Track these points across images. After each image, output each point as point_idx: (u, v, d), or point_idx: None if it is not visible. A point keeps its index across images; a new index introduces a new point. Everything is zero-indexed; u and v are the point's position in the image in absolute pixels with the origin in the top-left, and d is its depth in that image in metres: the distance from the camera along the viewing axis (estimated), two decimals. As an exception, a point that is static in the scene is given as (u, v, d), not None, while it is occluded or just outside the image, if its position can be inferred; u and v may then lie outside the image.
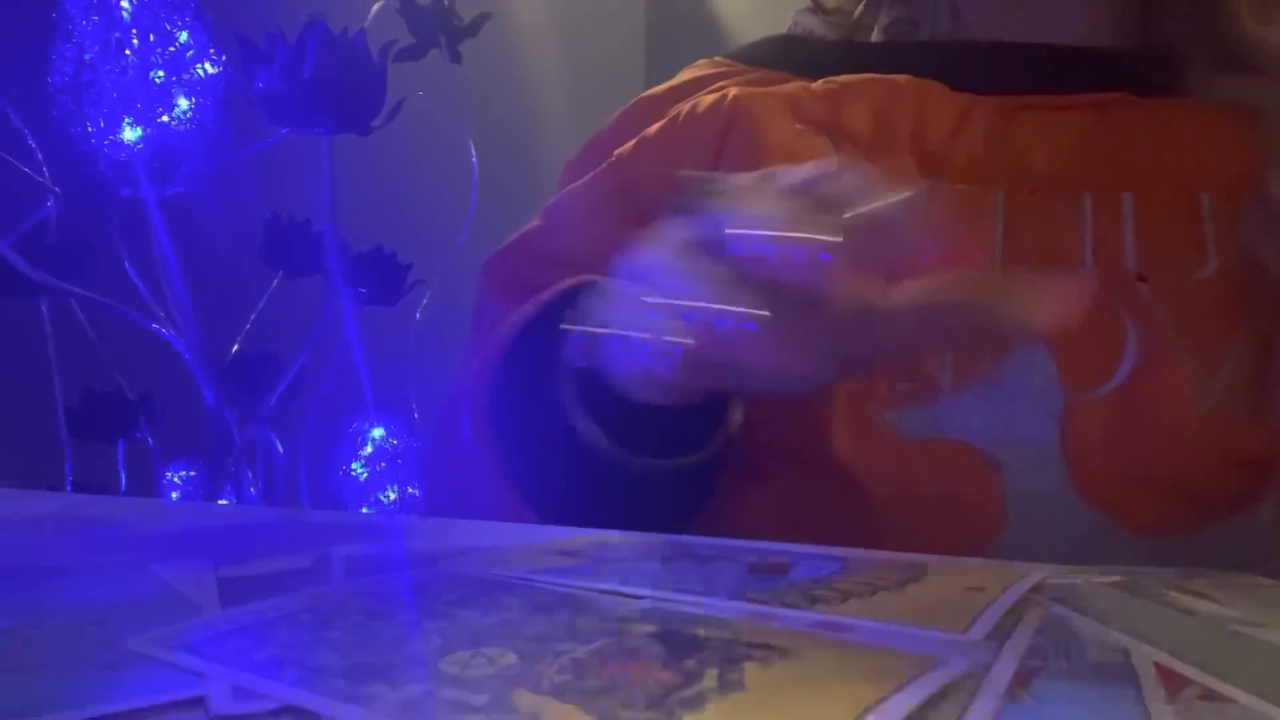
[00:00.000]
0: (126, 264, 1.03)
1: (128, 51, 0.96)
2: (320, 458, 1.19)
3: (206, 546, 0.38)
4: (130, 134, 0.97)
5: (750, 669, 0.22)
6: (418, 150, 1.38)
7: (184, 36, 0.98)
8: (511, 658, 0.22)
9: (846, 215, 0.34)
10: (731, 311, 0.34)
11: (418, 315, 1.25)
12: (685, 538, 0.38)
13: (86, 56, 0.96)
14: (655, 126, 0.59)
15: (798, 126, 0.54)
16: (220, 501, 1.07)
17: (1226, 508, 0.47)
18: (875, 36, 0.63)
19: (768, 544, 0.36)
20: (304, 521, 0.47)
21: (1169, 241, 0.49)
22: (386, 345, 1.17)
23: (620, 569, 0.31)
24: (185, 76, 0.98)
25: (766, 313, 0.34)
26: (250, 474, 1.10)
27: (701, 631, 0.24)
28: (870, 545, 0.36)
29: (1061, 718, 0.20)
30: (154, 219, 0.98)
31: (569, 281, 0.49)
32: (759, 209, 0.35)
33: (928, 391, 0.47)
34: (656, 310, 0.36)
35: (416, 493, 1.21)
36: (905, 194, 0.35)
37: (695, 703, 0.20)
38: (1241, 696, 0.21)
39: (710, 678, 0.21)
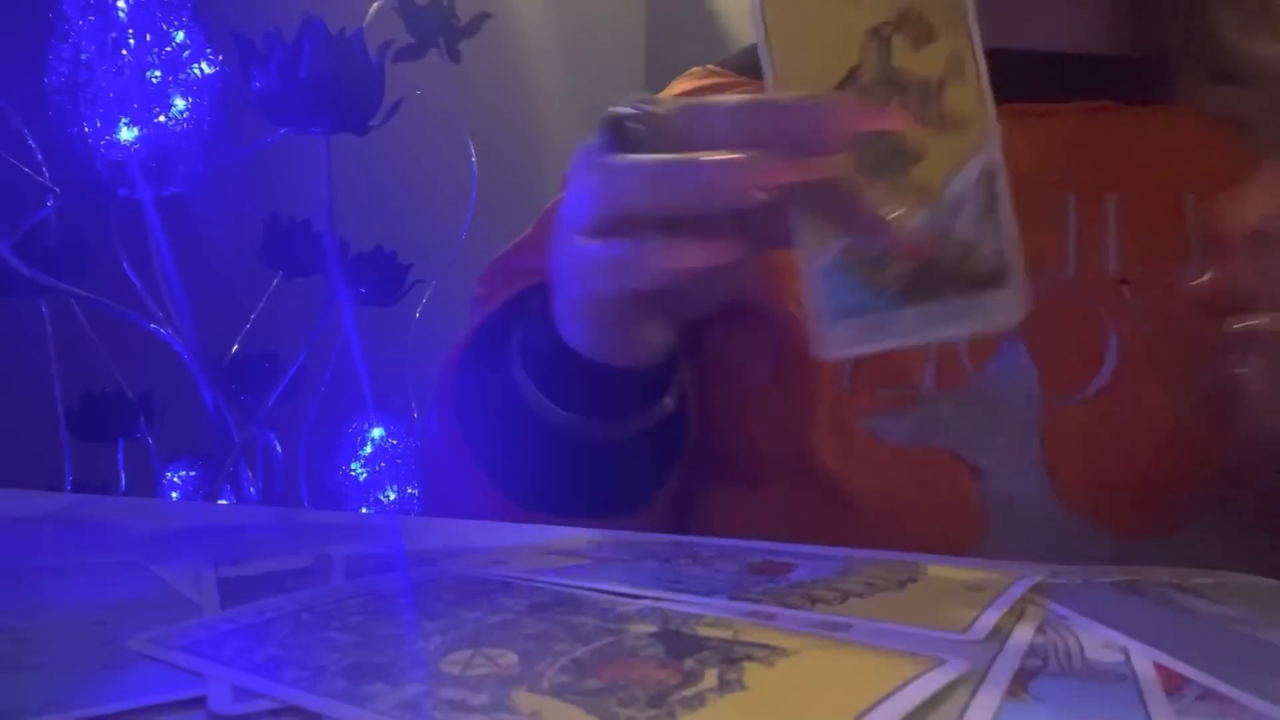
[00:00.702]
0: (125, 264, 1.02)
1: (124, 51, 0.96)
2: (320, 458, 1.19)
3: (206, 546, 0.38)
4: (127, 134, 0.96)
5: (750, 669, 0.22)
6: (417, 150, 1.38)
7: (181, 36, 0.98)
8: (511, 658, 0.22)
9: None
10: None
11: (417, 315, 1.25)
12: (685, 538, 0.38)
13: (83, 56, 0.95)
14: None
15: None
16: (220, 501, 1.07)
17: (1205, 511, 0.47)
18: None
19: (768, 544, 0.36)
20: (304, 521, 0.47)
21: (1152, 245, 0.49)
22: (386, 345, 1.17)
23: (620, 569, 0.31)
24: (182, 76, 0.98)
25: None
26: (250, 474, 1.10)
27: (701, 631, 0.24)
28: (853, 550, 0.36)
29: (1061, 718, 0.20)
30: (152, 219, 0.98)
31: (524, 286, 0.51)
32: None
33: (909, 398, 0.48)
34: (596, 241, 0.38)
35: (417, 493, 1.21)
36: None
37: (695, 703, 0.20)
38: (1241, 696, 0.21)
39: (710, 678, 0.21)
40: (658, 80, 0.66)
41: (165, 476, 1.13)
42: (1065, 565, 0.33)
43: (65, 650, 0.24)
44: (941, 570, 0.31)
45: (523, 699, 0.20)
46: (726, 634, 0.24)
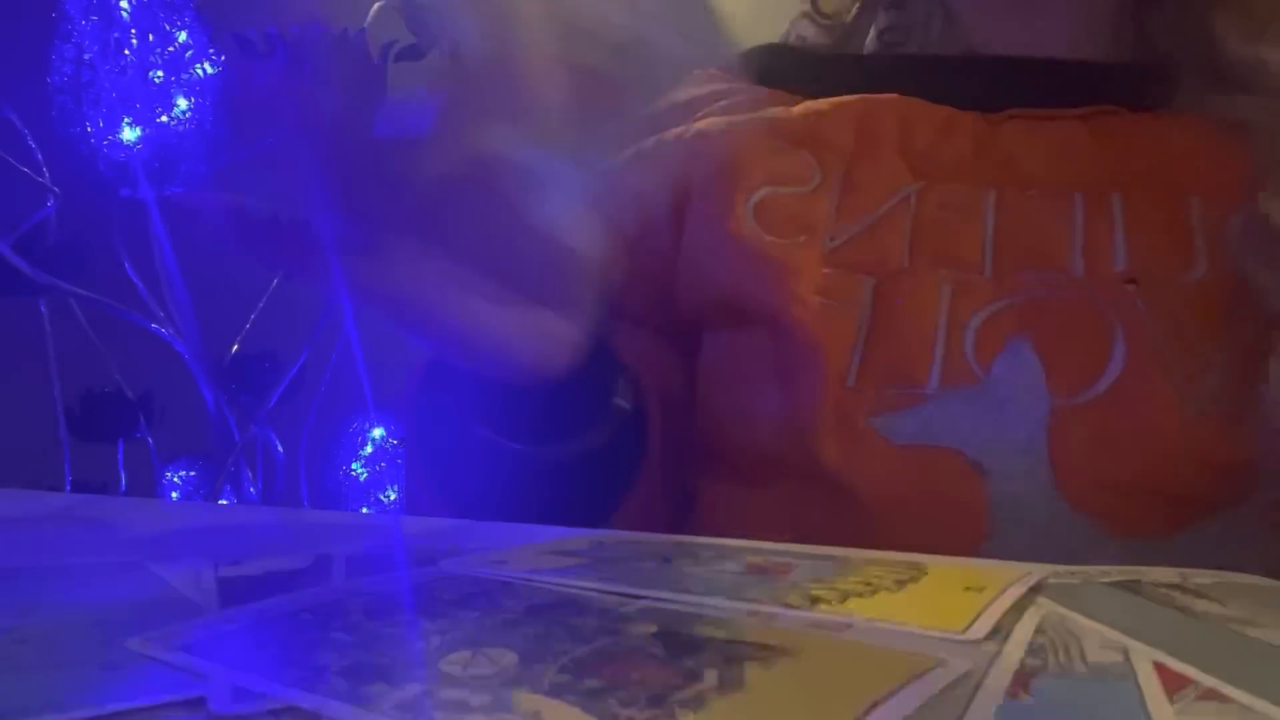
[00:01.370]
0: (126, 264, 1.03)
1: (127, 51, 0.96)
2: (320, 458, 1.20)
3: (206, 546, 0.38)
4: (129, 134, 0.97)
5: (750, 669, 0.22)
6: (417, 150, 1.38)
7: (183, 36, 0.98)
8: (511, 658, 0.22)
9: None
10: None
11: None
12: (685, 538, 0.38)
13: (86, 56, 0.96)
14: (624, 155, 0.60)
15: (775, 144, 0.55)
16: (220, 501, 1.07)
17: (1212, 511, 0.47)
18: (869, 42, 0.64)
19: (768, 544, 0.36)
20: (304, 521, 0.47)
21: (1158, 245, 0.49)
22: (386, 345, 1.17)
23: (620, 569, 0.31)
24: (184, 76, 0.98)
25: None
26: (250, 474, 1.10)
27: (701, 631, 0.24)
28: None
29: (1061, 718, 0.20)
30: (154, 219, 0.98)
31: None
32: None
33: (914, 397, 0.47)
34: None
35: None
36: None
37: (695, 703, 0.20)
38: (1241, 696, 0.21)
39: (710, 678, 0.21)
40: (657, 81, 0.66)
41: (165, 476, 1.13)
42: (1067, 565, 0.33)
43: (65, 650, 0.24)
44: (941, 570, 0.31)
45: (523, 699, 0.20)
46: (726, 634, 0.24)
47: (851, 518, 0.47)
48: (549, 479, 0.45)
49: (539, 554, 0.34)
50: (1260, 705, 0.20)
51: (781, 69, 0.62)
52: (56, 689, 0.22)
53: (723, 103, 0.60)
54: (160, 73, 0.97)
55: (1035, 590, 0.29)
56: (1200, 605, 0.28)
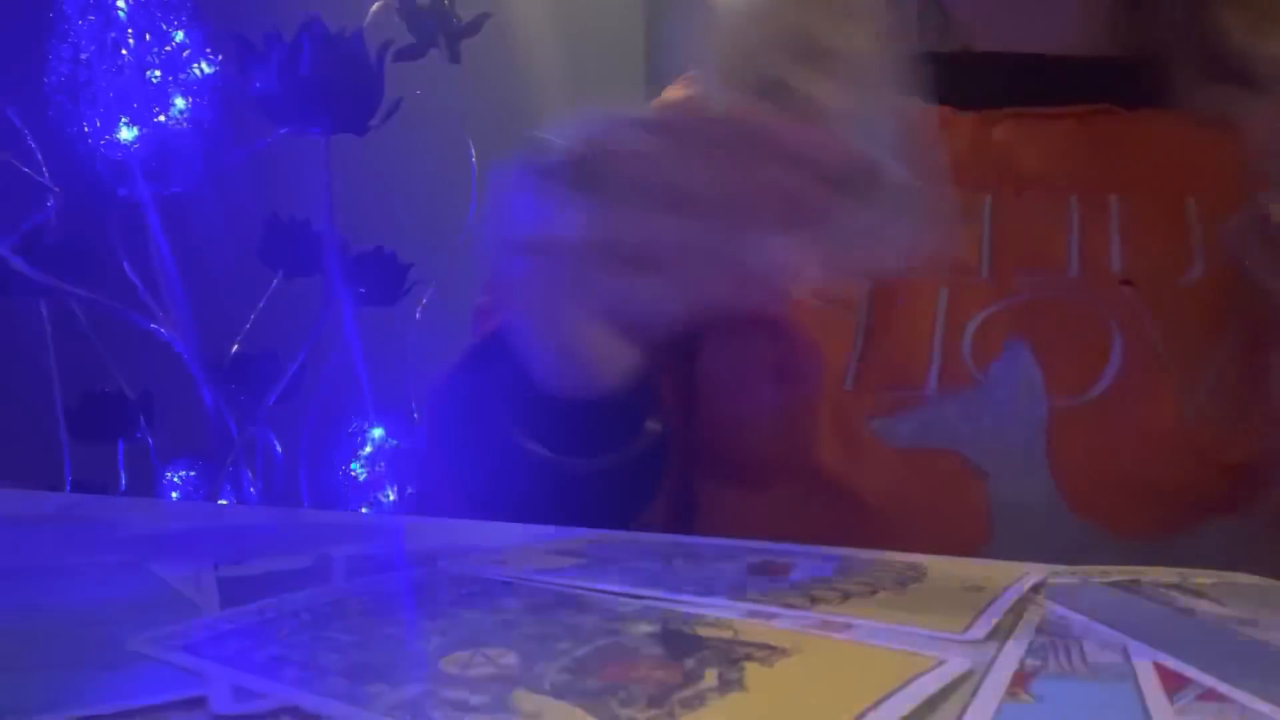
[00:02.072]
0: (125, 264, 1.03)
1: (124, 51, 0.96)
2: (320, 458, 1.19)
3: (206, 546, 0.38)
4: (127, 134, 0.96)
5: (750, 669, 0.22)
6: (417, 150, 1.38)
7: (180, 36, 0.98)
8: (511, 658, 0.22)
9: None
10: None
11: (417, 315, 1.25)
12: (685, 538, 0.38)
13: (83, 56, 0.95)
14: None
15: None
16: (220, 501, 1.07)
17: (1211, 511, 0.47)
18: None
19: (768, 544, 0.36)
20: (304, 521, 0.47)
21: (1154, 245, 0.49)
22: (386, 345, 1.17)
23: (620, 569, 0.31)
24: (182, 76, 0.98)
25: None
26: (250, 474, 1.10)
27: (701, 631, 0.24)
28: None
29: (1061, 718, 0.20)
30: (152, 219, 0.98)
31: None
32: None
33: (913, 400, 0.47)
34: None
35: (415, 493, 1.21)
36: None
37: (695, 703, 0.20)
38: (1241, 696, 0.21)
39: (710, 678, 0.21)
40: (658, 80, 0.66)
41: (165, 476, 1.13)
42: (1067, 565, 0.33)
43: (65, 650, 0.24)
44: (941, 570, 0.31)
45: (523, 699, 0.20)
46: (726, 634, 0.24)
47: (852, 520, 0.47)
48: (574, 490, 0.45)
49: (539, 554, 0.34)
50: (1260, 705, 0.20)
51: None
52: (56, 689, 0.22)
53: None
54: (158, 72, 0.97)
55: (1035, 590, 0.29)
56: (1200, 605, 0.28)
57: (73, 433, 1.11)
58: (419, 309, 1.24)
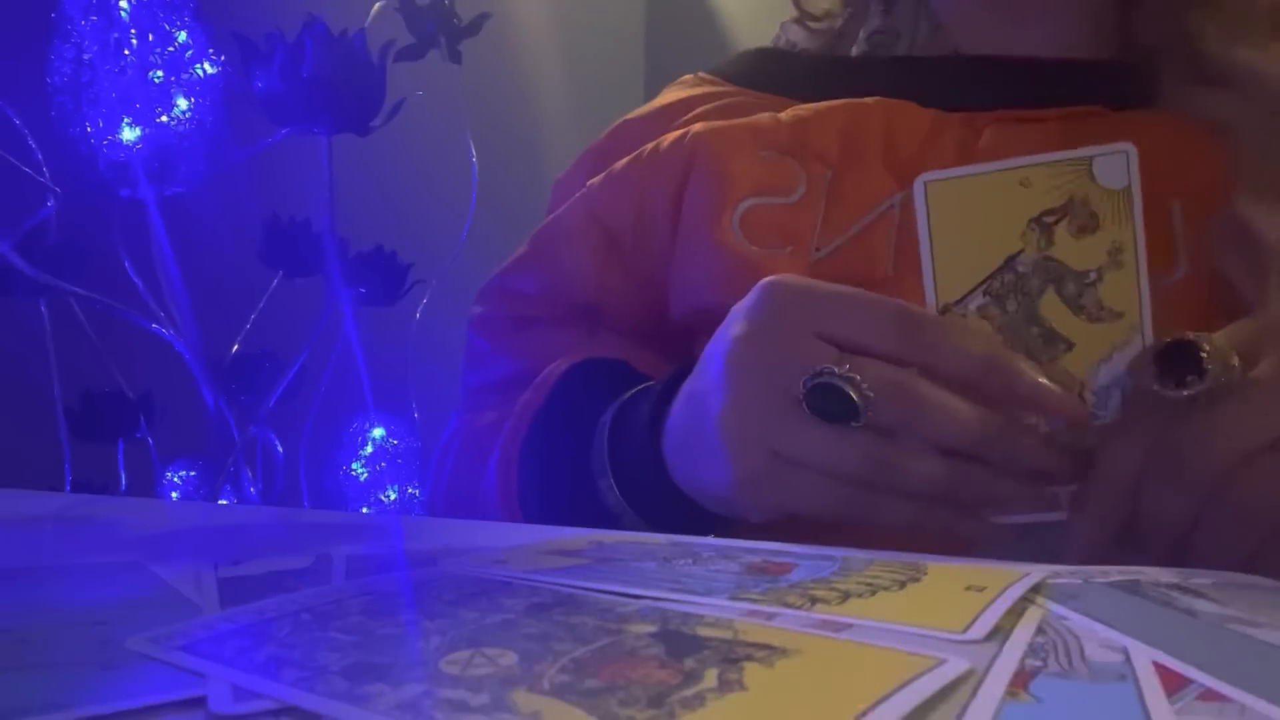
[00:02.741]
0: (126, 264, 1.03)
1: (126, 51, 0.96)
2: (320, 458, 1.19)
3: (206, 546, 0.38)
4: (129, 134, 0.96)
5: (750, 669, 0.22)
6: (418, 150, 1.38)
7: (183, 36, 0.98)
8: (511, 658, 0.22)
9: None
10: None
11: (417, 315, 1.25)
12: (685, 538, 0.38)
13: (85, 56, 0.95)
14: (623, 161, 0.61)
15: (762, 153, 0.55)
16: (220, 501, 1.07)
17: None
18: (858, 46, 0.64)
19: (768, 544, 0.36)
20: (304, 521, 0.47)
21: None
22: (386, 345, 1.17)
23: (620, 569, 0.31)
24: (184, 76, 0.98)
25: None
26: (250, 474, 1.10)
27: (701, 631, 0.24)
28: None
29: (1061, 718, 0.20)
30: (154, 219, 0.98)
31: (576, 358, 0.56)
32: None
33: None
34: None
35: (416, 493, 1.21)
36: None
37: (695, 703, 0.20)
38: (1241, 696, 0.21)
39: (710, 678, 0.21)
40: (658, 80, 0.67)
41: (165, 476, 1.13)
42: (1067, 565, 0.33)
43: (65, 650, 0.24)
44: (941, 570, 0.31)
45: (523, 699, 0.20)
46: (726, 634, 0.24)
47: (850, 524, 0.47)
48: (624, 524, 0.50)
49: (539, 554, 0.34)
50: (1260, 705, 0.20)
51: (770, 72, 0.63)
52: (56, 689, 0.22)
53: (712, 105, 0.61)
54: (160, 73, 0.97)
55: (1035, 590, 0.29)
56: (1200, 605, 0.28)
57: (73, 433, 1.11)
58: (419, 309, 1.24)
